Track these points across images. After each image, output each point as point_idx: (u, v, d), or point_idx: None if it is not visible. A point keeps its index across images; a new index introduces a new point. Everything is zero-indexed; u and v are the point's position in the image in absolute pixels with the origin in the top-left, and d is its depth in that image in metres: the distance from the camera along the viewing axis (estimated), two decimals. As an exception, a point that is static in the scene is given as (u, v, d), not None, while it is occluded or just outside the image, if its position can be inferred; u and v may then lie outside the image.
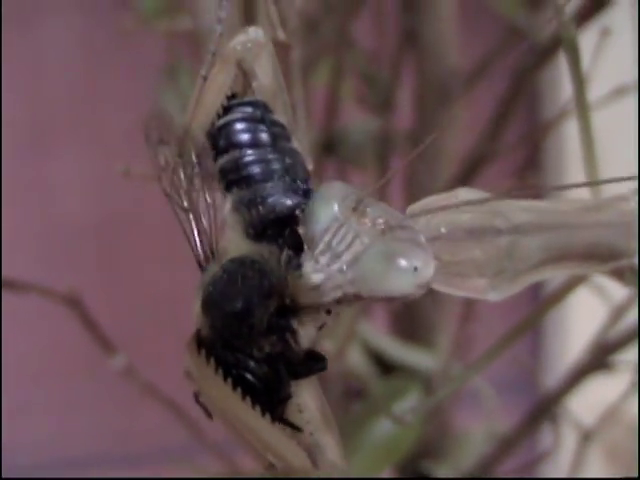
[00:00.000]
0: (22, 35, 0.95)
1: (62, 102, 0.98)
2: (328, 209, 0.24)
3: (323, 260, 0.24)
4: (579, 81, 0.33)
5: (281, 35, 0.34)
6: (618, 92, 0.54)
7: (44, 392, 1.00)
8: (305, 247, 0.25)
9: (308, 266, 0.24)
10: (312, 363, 0.25)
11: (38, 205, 0.99)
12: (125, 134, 0.92)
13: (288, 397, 0.25)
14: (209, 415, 0.25)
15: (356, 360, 0.58)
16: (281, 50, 0.34)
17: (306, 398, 0.26)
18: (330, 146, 0.68)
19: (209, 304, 0.25)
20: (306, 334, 0.25)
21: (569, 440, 0.64)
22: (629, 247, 0.31)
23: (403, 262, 0.23)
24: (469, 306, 0.63)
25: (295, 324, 0.25)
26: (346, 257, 0.24)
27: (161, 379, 0.52)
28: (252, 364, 0.24)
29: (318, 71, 0.64)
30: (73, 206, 0.99)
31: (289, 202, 0.26)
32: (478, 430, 0.68)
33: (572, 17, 0.33)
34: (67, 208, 0.99)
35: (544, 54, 0.59)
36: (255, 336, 0.24)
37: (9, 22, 0.92)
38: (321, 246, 0.24)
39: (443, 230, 0.25)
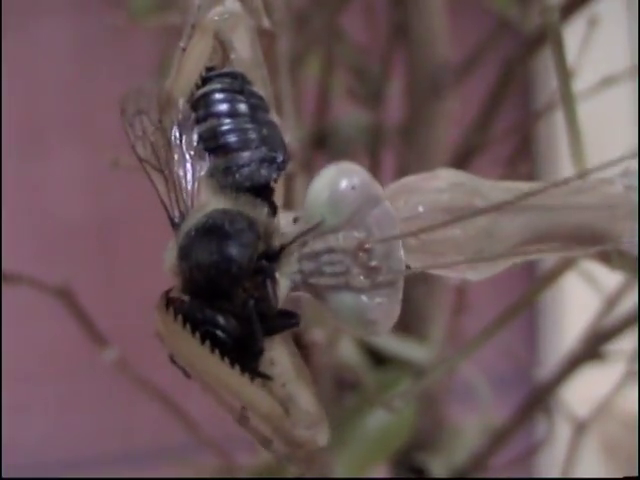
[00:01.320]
0: (16, 35, 0.95)
1: (57, 101, 0.98)
2: (333, 209, 0.24)
3: (305, 266, 0.25)
4: (563, 71, 0.33)
5: (266, 23, 0.34)
6: (608, 81, 0.54)
7: (43, 391, 1.00)
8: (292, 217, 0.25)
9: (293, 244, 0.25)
10: (285, 319, 0.26)
11: (34, 203, 0.99)
12: (119, 131, 0.92)
13: (261, 351, 0.25)
14: (187, 375, 0.25)
15: (348, 352, 0.58)
16: (266, 39, 0.34)
17: (279, 352, 0.26)
18: (321, 139, 0.68)
19: (192, 248, 0.25)
20: (282, 288, 0.25)
21: (563, 432, 0.64)
22: (614, 230, 0.31)
23: (370, 322, 0.25)
24: (461, 298, 0.63)
25: (275, 272, 0.25)
26: (326, 281, 0.25)
27: (158, 376, 0.52)
28: (221, 319, 0.24)
29: (309, 64, 0.64)
30: (69, 204, 0.99)
31: (264, 172, 0.27)
32: (472, 423, 0.68)
33: (557, 7, 0.33)
34: (63, 206, 0.99)
35: (533, 45, 0.59)
36: (243, 276, 0.24)
37: (5, 24, 0.92)
38: (308, 249, 0.25)
39: (421, 209, 0.25)
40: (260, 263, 0.24)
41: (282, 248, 0.25)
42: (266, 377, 0.25)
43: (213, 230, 0.25)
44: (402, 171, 0.66)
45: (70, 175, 0.98)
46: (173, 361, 0.25)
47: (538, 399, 0.61)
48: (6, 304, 0.76)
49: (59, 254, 0.98)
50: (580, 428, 0.62)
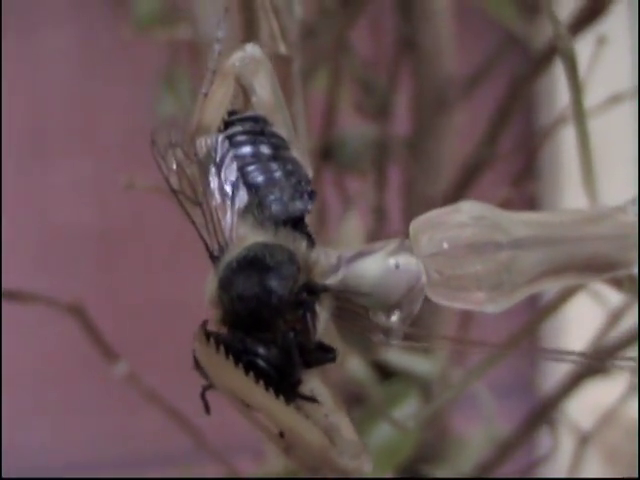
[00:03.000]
0: (20, 43, 0.95)
1: (61, 110, 0.98)
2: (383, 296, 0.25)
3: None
4: (577, 91, 0.34)
5: (282, 48, 0.34)
6: (614, 100, 0.54)
7: (46, 397, 1.00)
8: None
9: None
10: (323, 353, 0.26)
11: (37, 213, 0.99)
12: (124, 142, 0.93)
13: (299, 382, 0.25)
14: (208, 411, 0.25)
15: (356, 366, 0.59)
16: (282, 63, 0.35)
17: (316, 385, 0.26)
18: (328, 153, 0.68)
19: (233, 280, 0.25)
20: (322, 320, 0.26)
21: (567, 443, 0.64)
22: (627, 258, 0.31)
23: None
24: (467, 311, 0.64)
25: (317, 307, 0.25)
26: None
27: (162, 386, 0.53)
28: (262, 349, 0.24)
29: (316, 78, 0.65)
30: (72, 214, 0.99)
31: (299, 204, 0.27)
32: (477, 434, 0.68)
33: (568, 27, 0.33)
34: (66, 216, 0.99)
35: (541, 61, 0.59)
36: (283, 309, 0.25)
37: (7, 30, 0.92)
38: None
39: (445, 246, 0.25)
40: (300, 295, 0.25)
41: (323, 282, 0.26)
42: (313, 400, 0.25)
43: (254, 262, 0.25)
44: (408, 184, 0.66)
45: (73, 183, 0.98)
46: (202, 395, 0.25)
47: (542, 411, 0.62)
48: (7, 309, 0.77)
49: (62, 264, 0.98)
50: (584, 440, 0.62)
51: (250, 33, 0.39)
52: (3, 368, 0.92)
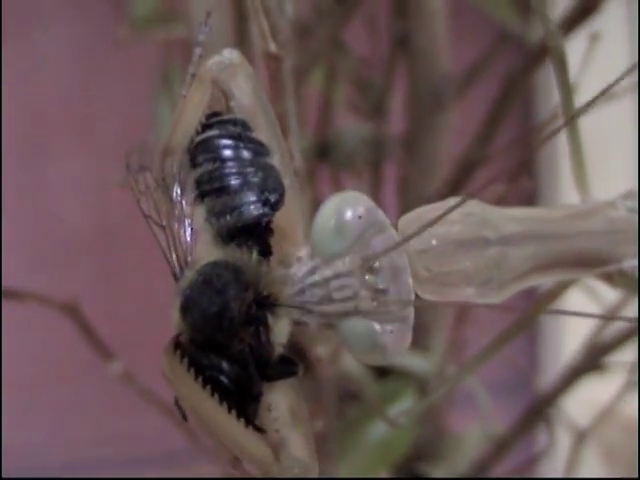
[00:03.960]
0: (19, 43, 0.95)
1: (58, 110, 0.98)
2: (338, 236, 0.25)
3: (316, 292, 0.25)
4: (566, 90, 0.34)
5: (273, 48, 0.34)
6: (609, 97, 0.54)
7: (44, 396, 1.00)
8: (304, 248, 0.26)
9: (295, 278, 0.25)
10: (285, 367, 0.27)
11: (36, 212, 0.99)
12: (120, 141, 0.93)
13: (259, 396, 0.26)
14: (184, 417, 0.27)
15: (351, 363, 0.59)
16: (273, 62, 0.35)
17: (278, 397, 0.27)
18: (323, 151, 0.68)
19: (188, 305, 0.26)
20: (279, 334, 0.26)
21: (564, 441, 0.64)
22: (617, 253, 0.31)
23: (381, 347, 0.25)
24: (463, 309, 0.64)
25: (270, 319, 0.26)
26: (336, 308, 0.25)
27: (158, 384, 0.53)
28: (225, 366, 0.25)
29: (311, 77, 0.65)
30: (70, 212, 0.99)
31: (255, 212, 0.28)
32: (473, 431, 0.68)
33: (559, 26, 0.33)
34: (65, 215, 0.99)
35: (536, 58, 0.59)
36: (234, 329, 0.25)
37: (6, 30, 0.92)
38: (317, 277, 0.25)
39: (434, 242, 0.25)
40: (251, 312, 0.26)
41: (276, 292, 0.26)
42: (259, 429, 0.26)
43: (203, 286, 0.26)
44: (404, 183, 0.66)
45: (71, 183, 0.99)
46: (176, 403, 0.26)
47: (539, 409, 0.62)
48: (7, 311, 0.77)
49: (59, 263, 0.98)
50: (580, 437, 0.62)
51: (241, 33, 0.40)
52: (2, 368, 0.92)
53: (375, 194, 0.67)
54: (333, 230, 0.25)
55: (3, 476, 0.89)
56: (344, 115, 0.71)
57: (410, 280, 0.25)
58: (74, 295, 0.52)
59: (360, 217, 0.25)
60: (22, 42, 0.96)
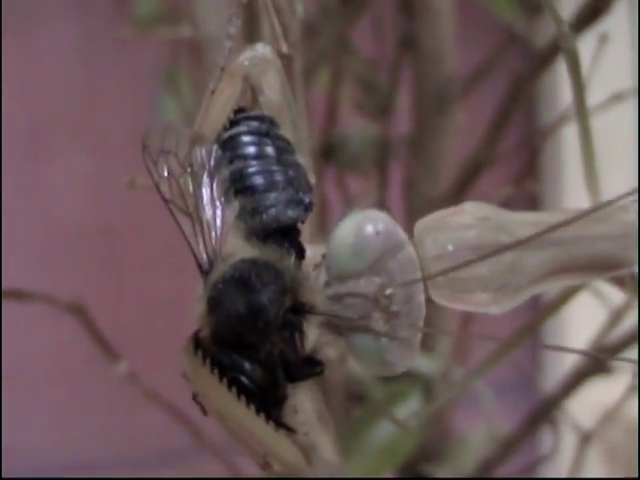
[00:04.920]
0: (21, 41, 0.95)
1: (61, 108, 0.98)
2: (356, 256, 0.25)
3: (327, 307, 0.25)
4: (579, 90, 0.34)
5: (284, 47, 0.34)
6: (616, 98, 0.54)
7: (46, 396, 1.00)
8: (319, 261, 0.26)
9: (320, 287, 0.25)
10: (310, 367, 0.26)
11: (38, 210, 0.99)
12: (124, 139, 0.92)
13: (284, 399, 0.26)
14: (204, 412, 0.26)
15: (357, 365, 0.59)
16: (284, 62, 0.35)
17: (302, 400, 0.26)
18: (329, 152, 0.68)
19: (218, 300, 0.25)
20: (310, 339, 0.26)
21: (569, 442, 0.64)
22: (629, 257, 0.31)
23: (388, 363, 0.25)
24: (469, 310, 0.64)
25: (304, 325, 0.25)
26: (349, 323, 0.25)
27: (162, 384, 0.53)
28: (248, 366, 0.25)
29: (317, 77, 0.65)
30: (73, 211, 0.99)
31: (291, 213, 0.27)
32: (478, 433, 0.68)
33: (570, 26, 0.33)
34: (67, 213, 0.99)
35: (542, 60, 0.59)
36: (269, 331, 0.25)
37: (8, 28, 0.92)
38: (331, 291, 0.25)
39: (450, 248, 0.25)
40: (287, 317, 0.25)
41: (312, 299, 0.25)
42: (290, 430, 0.26)
43: (240, 283, 0.25)
44: (409, 183, 0.66)
45: (73, 182, 0.98)
46: (195, 399, 0.25)
47: (543, 410, 0.62)
48: (10, 311, 0.77)
49: (63, 262, 0.98)
50: (585, 438, 0.62)
51: (252, 32, 0.39)
52: (3, 368, 0.92)
53: (381, 195, 0.67)
54: (351, 248, 0.25)
55: (3, 476, 0.89)
56: (350, 115, 0.71)
57: (423, 301, 0.26)
58: (76, 294, 0.52)
59: (378, 234, 0.25)
60: (23, 40, 0.96)
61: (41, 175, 0.98)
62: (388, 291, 0.25)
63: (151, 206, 0.30)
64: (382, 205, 0.64)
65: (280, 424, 0.25)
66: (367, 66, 0.69)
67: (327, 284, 0.25)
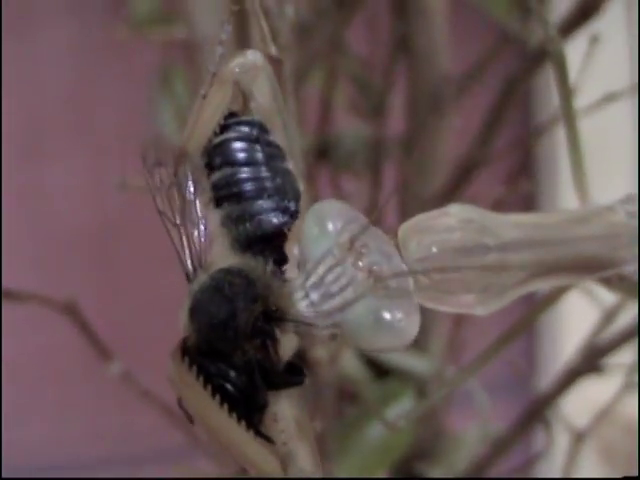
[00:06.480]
0: (17, 42, 0.95)
1: (57, 109, 0.98)
2: (324, 238, 0.25)
3: (314, 296, 0.25)
4: (566, 94, 0.34)
5: (273, 51, 0.34)
6: (609, 98, 0.54)
7: (43, 395, 1.00)
8: (296, 264, 0.26)
9: (297, 289, 0.25)
10: (290, 376, 0.27)
11: (34, 211, 0.99)
12: (120, 141, 0.93)
13: (265, 406, 0.26)
14: (190, 420, 0.26)
15: (350, 364, 0.59)
16: (273, 65, 0.35)
17: (283, 408, 0.27)
18: (323, 152, 0.68)
19: (196, 310, 0.26)
20: (286, 346, 0.26)
21: (562, 441, 0.64)
22: (616, 257, 0.31)
23: (389, 324, 0.25)
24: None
25: (277, 333, 0.26)
26: (337, 301, 0.25)
27: (157, 383, 0.53)
28: (232, 374, 0.25)
29: (311, 77, 0.65)
30: (69, 212, 0.99)
31: (275, 221, 0.27)
32: (471, 432, 0.68)
33: (559, 27, 0.33)
34: (63, 214, 0.99)
35: (536, 60, 0.59)
36: (240, 339, 0.25)
37: (4, 29, 0.92)
38: (313, 279, 0.25)
39: (434, 250, 0.25)
40: (259, 325, 0.25)
41: (285, 307, 0.26)
42: (268, 440, 0.26)
43: (214, 293, 0.26)
44: (403, 184, 0.66)
45: (71, 184, 0.98)
46: (180, 405, 0.26)
47: (537, 409, 0.62)
48: (6, 311, 0.77)
49: (58, 262, 0.98)
50: (579, 437, 0.62)
51: (241, 35, 0.40)
52: (1, 368, 0.92)
53: (374, 195, 0.67)
54: (317, 233, 0.26)
55: (2, 475, 0.89)
56: (344, 116, 0.71)
57: (401, 260, 0.26)
58: (73, 295, 0.52)
59: (339, 215, 0.26)
60: (22, 42, 0.96)
61: (39, 176, 0.98)
62: (360, 247, 0.25)
63: (147, 207, 0.31)
64: (375, 205, 0.64)
65: (260, 434, 0.26)
66: (361, 66, 0.69)
67: (308, 274, 0.25)
